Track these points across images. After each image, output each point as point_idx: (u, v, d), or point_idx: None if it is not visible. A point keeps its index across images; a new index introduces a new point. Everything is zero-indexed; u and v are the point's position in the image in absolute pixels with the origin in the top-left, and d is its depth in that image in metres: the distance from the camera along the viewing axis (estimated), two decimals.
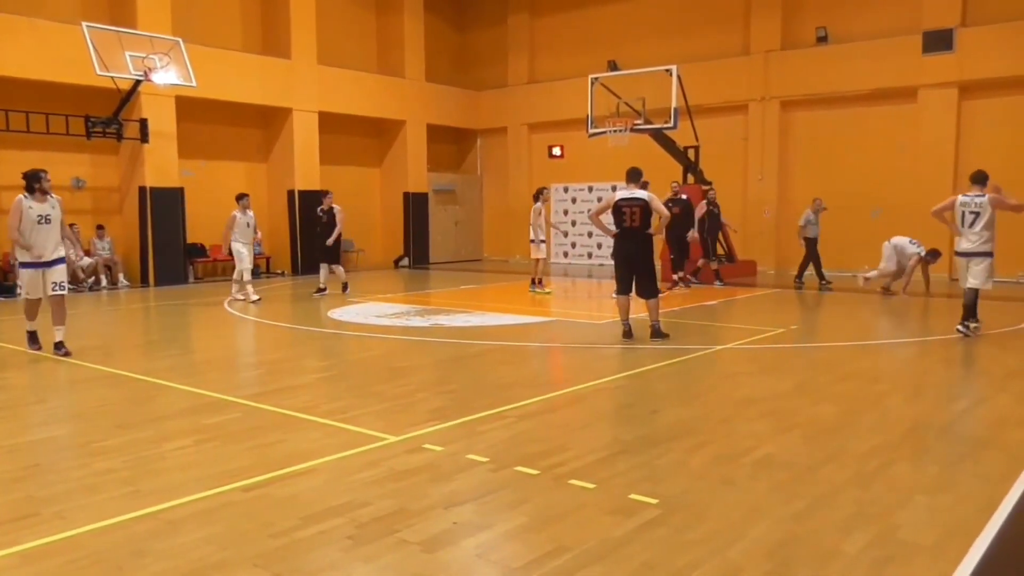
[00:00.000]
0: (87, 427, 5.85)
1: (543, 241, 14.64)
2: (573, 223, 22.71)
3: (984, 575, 3.34)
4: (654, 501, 4.13)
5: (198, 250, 18.18)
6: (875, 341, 9.62)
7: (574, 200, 22.74)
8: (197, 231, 17.90)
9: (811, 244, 14.94)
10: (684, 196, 14.97)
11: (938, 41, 16.48)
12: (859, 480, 4.49)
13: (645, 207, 9.01)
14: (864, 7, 17.74)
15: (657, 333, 9.20)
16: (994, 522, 3.85)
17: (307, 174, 19.45)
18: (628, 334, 9.28)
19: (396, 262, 22.41)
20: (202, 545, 3.64)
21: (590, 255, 22.49)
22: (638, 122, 16.47)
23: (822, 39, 18.10)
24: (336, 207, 14.16)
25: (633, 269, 9.20)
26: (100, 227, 16.46)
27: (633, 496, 4.21)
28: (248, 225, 13.55)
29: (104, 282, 16.14)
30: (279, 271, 19.55)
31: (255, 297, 13.43)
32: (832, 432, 5.49)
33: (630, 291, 9.30)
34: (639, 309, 9.58)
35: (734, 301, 13.50)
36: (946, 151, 16.69)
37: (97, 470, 4.74)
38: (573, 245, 22.92)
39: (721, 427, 5.62)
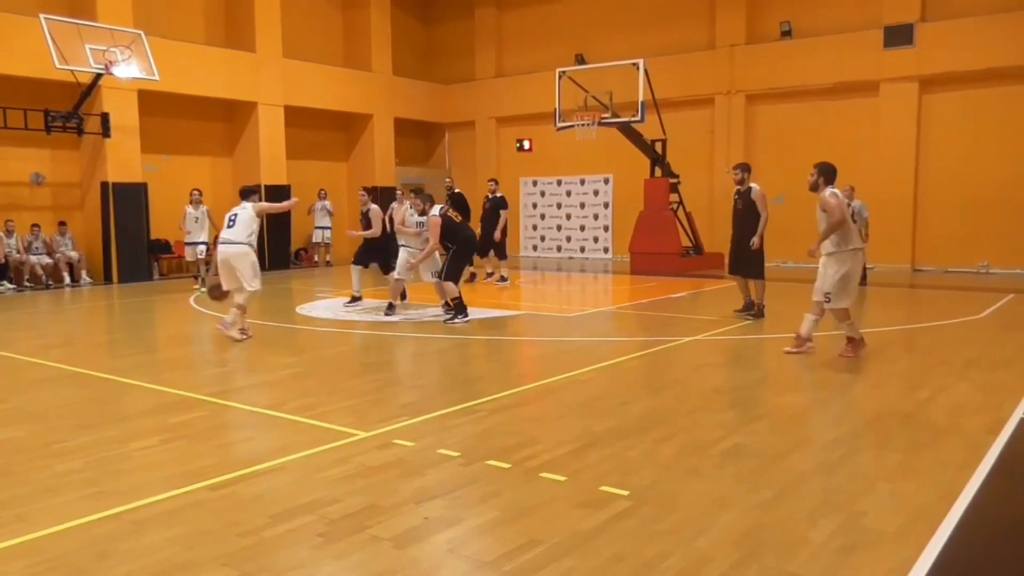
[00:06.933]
0: (49, 427, 5.74)
1: None
2: (542, 216, 22.75)
3: (947, 561, 3.41)
4: (624, 493, 4.16)
5: (162, 246, 17.89)
6: (838, 332, 9.74)
7: (543, 194, 22.78)
8: (161, 227, 17.60)
9: None
10: (499, 194, 14.74)
11: (899, 36, 16.79)
12: (824, 468, 4.56)
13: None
14: (827, 2, 17.96)
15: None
16: (956, 508, 3.93)
17: (273, 169, 19.22)
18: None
19: None
20: (168, 546, 3.59)
21: (559, 248, 22.55)
22: (606, 116, 16.53)
23: (786, 33, 18.29)
24: (373, 207, 12.27)
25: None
26: (62, 223, 16.09)
27: (603, 488, 4.23)
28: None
29: (67, 279, 15.84)
30: None
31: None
32: (797, 421, 5.57)
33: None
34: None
35: (701, 293, 13.62)
36: (907, 144, 17.00)
37: (59, 471, 4.65)
38: (542, 239, 22.95)
39: (689, 418, 5.67)
